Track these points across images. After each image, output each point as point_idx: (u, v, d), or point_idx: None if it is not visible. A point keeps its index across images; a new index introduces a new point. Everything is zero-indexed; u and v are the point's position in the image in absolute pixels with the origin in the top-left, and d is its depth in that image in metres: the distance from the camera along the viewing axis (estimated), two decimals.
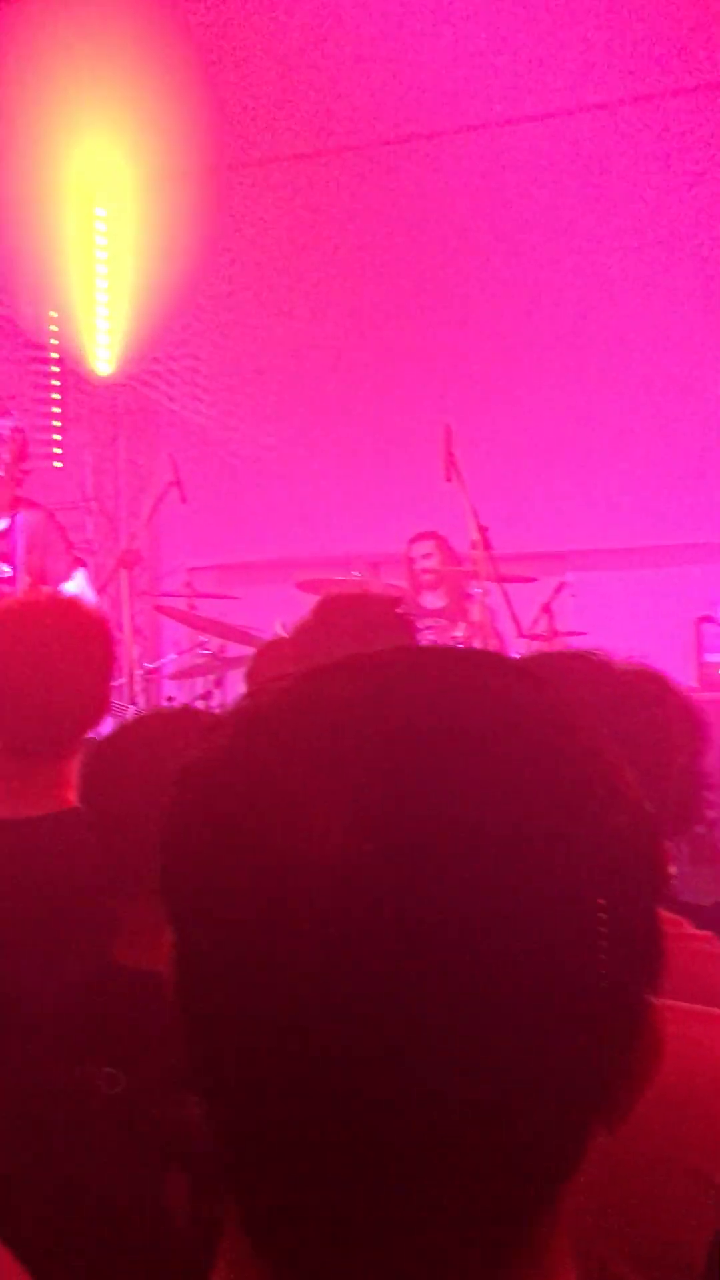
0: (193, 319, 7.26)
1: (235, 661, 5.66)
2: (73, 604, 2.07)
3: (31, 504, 4.36)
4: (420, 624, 5.79)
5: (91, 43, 6.16)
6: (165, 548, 7.54)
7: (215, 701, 5.85)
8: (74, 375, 7.43)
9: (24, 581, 4.20)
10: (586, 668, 1.48)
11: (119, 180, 7.14)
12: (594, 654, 1.53)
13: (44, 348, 7.34)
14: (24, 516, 4.24)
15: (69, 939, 1.64)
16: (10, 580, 4.23)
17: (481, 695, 0.59)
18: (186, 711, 1.71)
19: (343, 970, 0.53)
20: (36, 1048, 1.54)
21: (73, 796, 1.87)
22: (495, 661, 0.63)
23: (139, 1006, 1.47)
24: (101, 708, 2.01)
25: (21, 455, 4.21)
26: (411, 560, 5.91)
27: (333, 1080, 0.53)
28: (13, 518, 4.23)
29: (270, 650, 3.14)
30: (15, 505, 4.25)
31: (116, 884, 1.57)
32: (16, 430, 4.23)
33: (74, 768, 1.87)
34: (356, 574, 5.62)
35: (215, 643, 5.76)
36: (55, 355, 7.36)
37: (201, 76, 6.20)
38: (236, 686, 5.54)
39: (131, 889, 1.55)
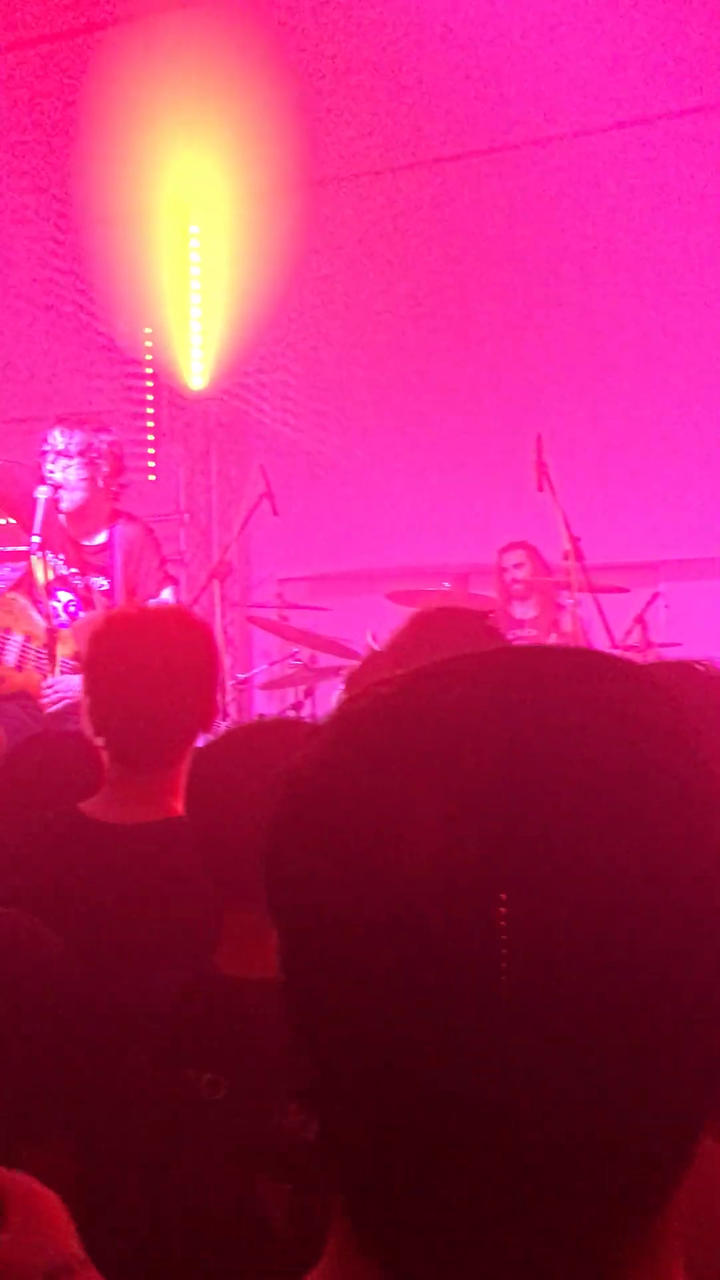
0: (285, 333, 7.33)
1: (326, 672, 5.69)
2: (181, 614, 2.11)
3: (130, 517, 4.40)
4: (511, 634, 5.76)
5: (185, 62, 6.26)
6: (256, 559, 7.61)
7: (306, 712, 5.88)
8: (168, 390, 7.54)
9: (121, 595, 4.26)
10: (697, 678, 1.45)
11: (213, 198, 7.24)
12: (703, 664, 1.50)
13: (139, 364, 7.47)
14: (121, 529, 4.28)
15: (171, 945, 1.67)
16: (108, 593, 4.29)
17: (588, 698, 0.57)
18: (285, 722, 1.72)
19: (445, 980, 0.53)
20: (139, 1052, 1.56)
21: (179, 805, 1.88)
22: (603, 662, 0.61)
23: (239, 1014, 1.49)
24: (208, 717, 2.03)
25: (118, 469, 4.27)
26: (502, 570, 5.88)
27: (439, 1088, 0.53)
28: (111, 530, 4.28)
29: (369, 665, 3.14)
30: (114, 518, 4.30)
31: (219, 892, 1.59)
32: (113, 444, 4.29)
33: (181, 776, 1.89)
34: (447, 585, 5.61)
35: (306, 653, 5.80)
36: (150, 371, 7.48)
37: (292, 93, 6.26)
38: (327, 697, 5.56)
39: (233, 898, 1.57)
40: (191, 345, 7.42)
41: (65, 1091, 1.66)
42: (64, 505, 4.15)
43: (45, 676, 4.13)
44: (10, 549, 6.29)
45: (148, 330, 7.38)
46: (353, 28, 6.48)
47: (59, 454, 4.09)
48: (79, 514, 4.20)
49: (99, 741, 2.05)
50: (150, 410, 7.48)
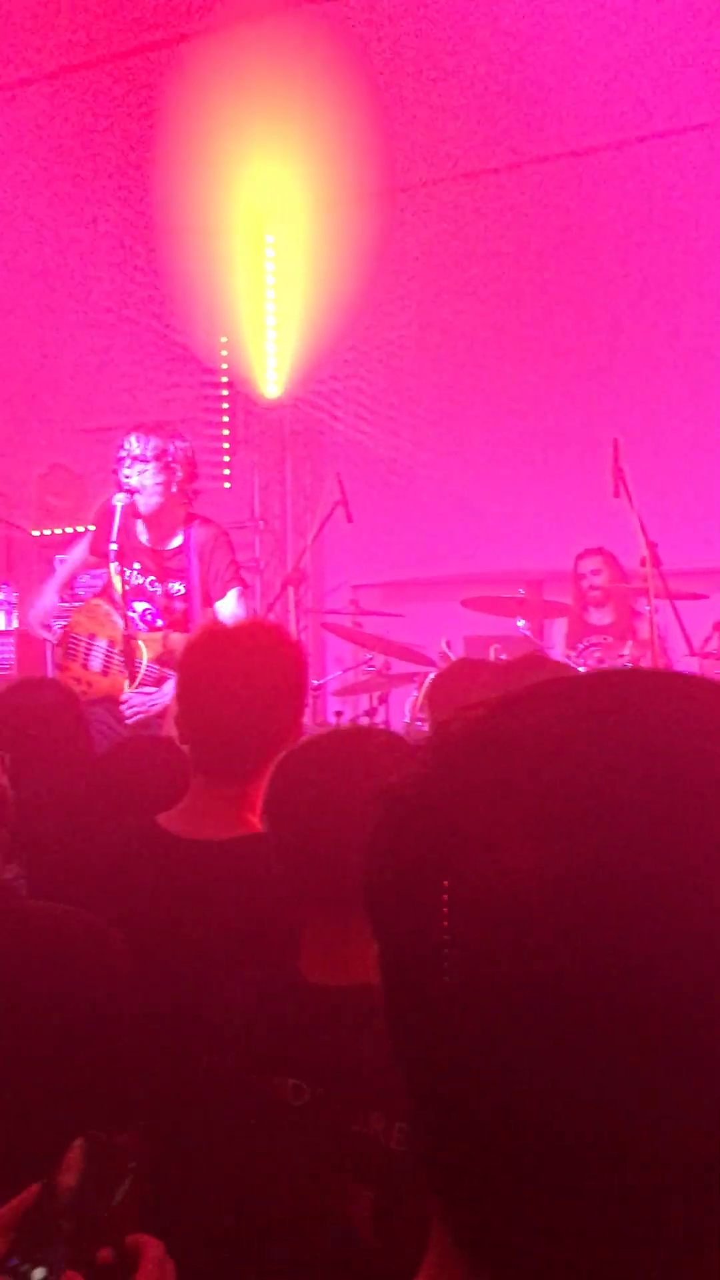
0: (360, 340, 7.35)
1: (399, 678, 5.69)
2: (275, 632, 2.10)
3: (205, 520, 4.46)
4: (586, 640, 5.72)
5: (260, 74, 6.31)
6: (330, 566, 7.64)
7: (379, 718, 5.89)
8: (243, 398, 7.61)
9: (197, 599, 4.31)
10: None
11: (288, 206, 7.30)
12: None
13: (215, 372, 7.55)
14: (195, 532, 4.34)
15: (254, 956, 1.68)
16: (185, 597, 4.35)
17: (677, 719, 0.57)
18: (363, 731, 1.72)
19: (540, 999, 0.53)
20: (225, 1059, 1.58)
21: (256, 820, 1.90)
22: (692, 683, 0.61)
23: (322, 1020, 1.50)
24: (291, 736, 2.02)
25: (192, 474, 4.33)
26: (579, 577, 5.84)
27: (542, 1104, 0.53)
28: (186, 534, 4.34)
29: (450, 675, 3.13)
30: (188, 522, 4.37)
31: (300, 903, 1.60)
32: (187, 450, 4.35)
33: (259, 792, 1.89)
34: (521, 591, 5.59)
35: (380, 659, 5.80)
36: (225, 379, 7.55)
37: (367, 101, 6.29)
38: (401, 703, 5.57)
39: (313, 908, 1.58)
40: (266, 353, 7.49)
41: (135, 1075, 1.69)
42: (140, 509, 4.22)
43: (130, 681, 4.19)
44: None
45: (223, 339, 7.45)
46: (426, 34, 6.49)
47: (135, 459, 4.17)
48: (155, 518, 4.27)
49: (184, 748, 2.06)
50: (226, 418, 7.54)
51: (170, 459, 4.20)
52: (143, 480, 4.16)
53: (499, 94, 6.52)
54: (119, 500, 4.17)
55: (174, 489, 4.24)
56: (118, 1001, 1.72)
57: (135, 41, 6.26)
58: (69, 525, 7.95)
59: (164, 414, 7.07)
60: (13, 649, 6.43)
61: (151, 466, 4.16)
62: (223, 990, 1.65)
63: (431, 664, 5.39)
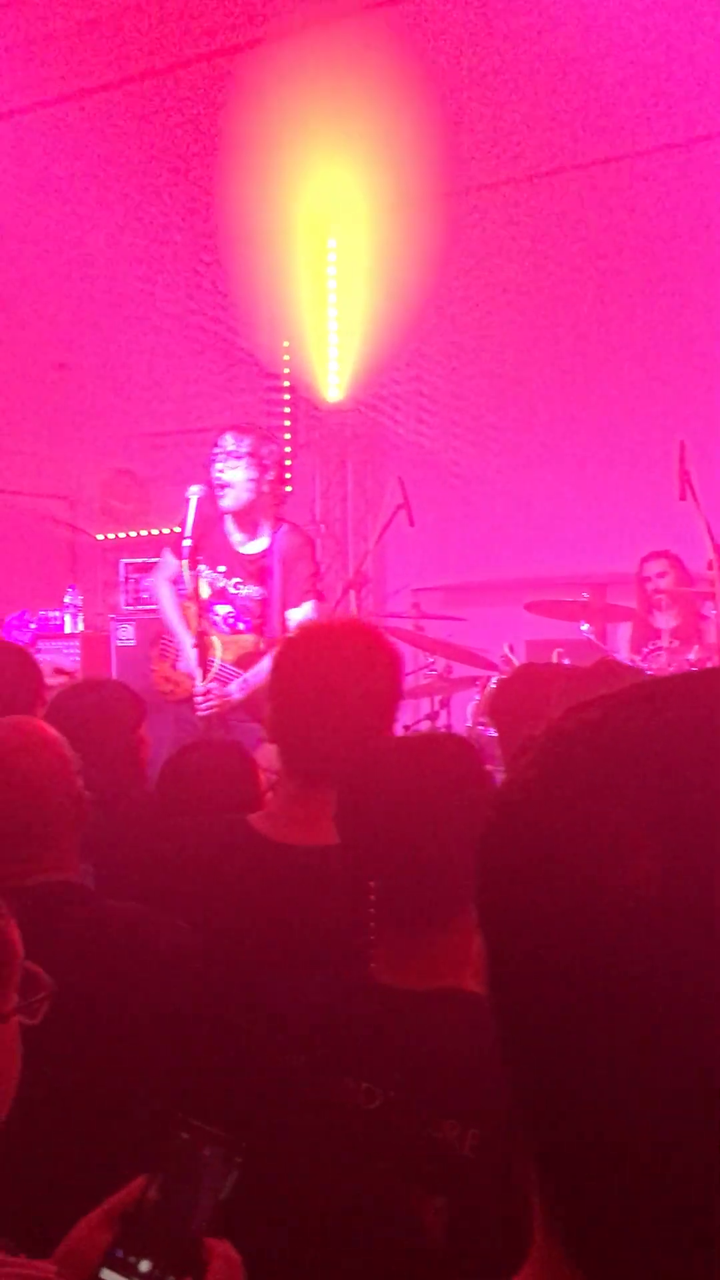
0: (421, 343, 7.35)
1: (461, 682, 5.67)
2: (368, 633, 2.06)
3: (295, 527, 4.52)
4: (651, 645, 5.66)
5: (321, 78, 6.33)
6: (391, 569, 7.64)
7: (441, 722, 5.87)
8: (305, 402, 7.64)
9: (277, 604, 4.35)
10: None
11: (350, 210, 7.31)
12: None
13: (277, 376, 7.58)
14: (283, 536, 4.39)
15: (327, 958, 1.67)
16: (265, 601, 4.38)
17: None
18: (429, 741, 1.69)
19: (663, 1006, 0.52)
20: (297, 1061, 1.57)
21: None
22: None
23: (395, 1025, 1.50)
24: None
25: (281, 478, 4.47)
26: (644, 580, 5.78)
27: (656, 1113, 0.52)
28: (273, 537, 4.39)
29: (516, 680, 3.09)
30: (276, 524, 4.42)
31: (371, 912, 1.59)
32: (279, 454, 4.48)
33: None
34: (585, 595, 5.54)
35: (441, 663, 5.78)
36: (287, 384, 7.59)
37: (429, 104, 6.28)
38: (463, 707, 5.54)
39: (385, 917, 1.56)
40: (328, 357, 7.50)
41: (211, 1077, 1.69)
42: (227, 502, 4.28)
43: (203, 677, 4.23)
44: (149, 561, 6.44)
45: (285, 343, 7.48)
46: (487, 38, 6.47)
47: (228, 455, 4.27)
48: (243, 515, 4.33)
49: (274, 749, 2.04)
50: (287, 422, 7.58)
51: (262, 459, 4.30)
52: (234, 476, 4.26)
53: (560, 96, 6.48)
54: (193, 492, 4.21)
55: (264, 488, 4.32)
56: (195, 1003, 1.73)
57: (199, 50, 6.31)
58: (132, 529, 8.03)
59: (225, 419, 7.11)
60: (78, 651, 6.50)
61: (244, 463, 4.26)
62: (296, 992, 1.65)
63: (494, 668, 5.37)
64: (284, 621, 4.34)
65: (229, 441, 4.30)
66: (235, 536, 4.37)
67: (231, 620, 4.38)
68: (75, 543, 8.33)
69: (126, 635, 6.23)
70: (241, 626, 4.38)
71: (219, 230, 7.35)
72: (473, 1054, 1.43)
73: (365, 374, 7.45)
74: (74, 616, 6.85)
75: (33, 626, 6.67)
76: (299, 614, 4.33)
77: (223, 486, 4.26)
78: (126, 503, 8.01)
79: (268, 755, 2.95)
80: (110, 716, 2.79)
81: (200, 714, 4.18)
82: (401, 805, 1.55)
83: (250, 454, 4.27)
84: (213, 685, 4.18)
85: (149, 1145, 1.58)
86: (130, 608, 6.53)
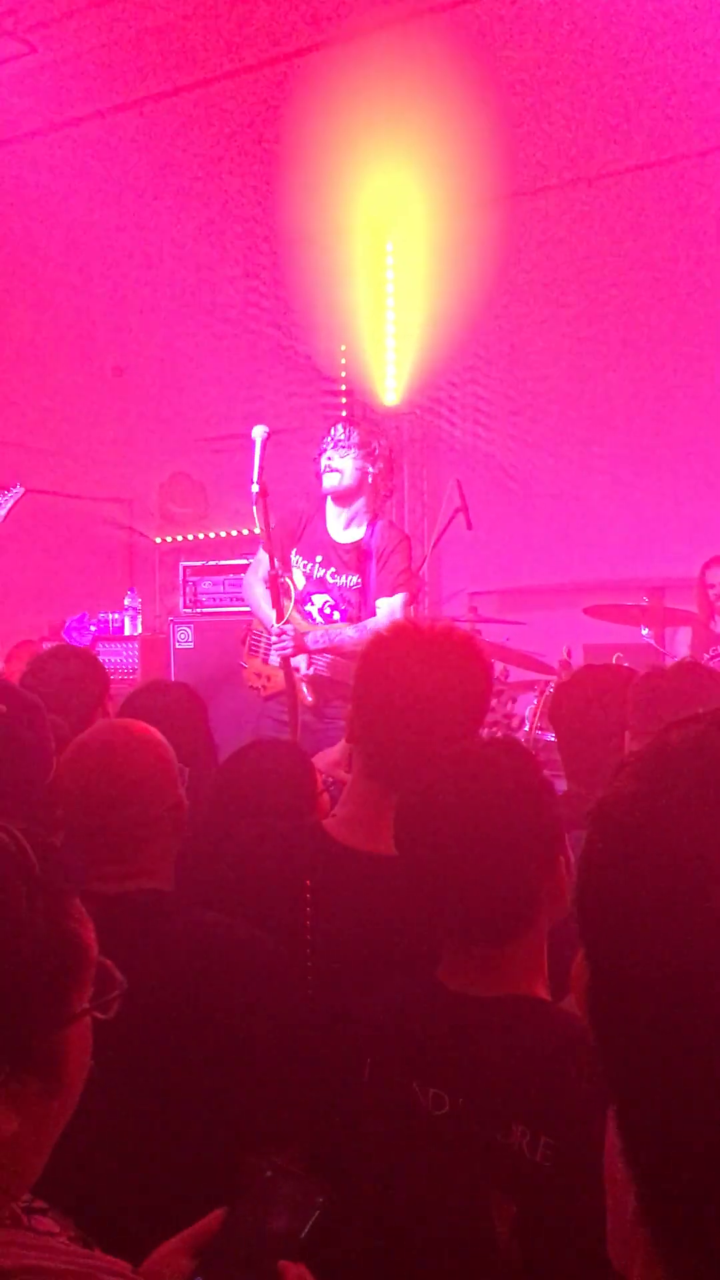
0: (478, 347, 7.33)
1: (519, 686, 5.64)
2: (461, 639, 1.96)
3: (392, 523, 4.58)
4: (711, 650, 5.60)
5: (380, 81, 6.34)
6: (447, 573, 7.62)
7: (501, 712, 5.84)
8: (361, 406, 7.64)
9: (372, 593, 4.40)
10: None
11: (409, 213, 7.31)
12: None
13: (334, 380, 7.60)
14: (381, 529, 4.44)
15: (397, 965, 1.66)
16: (361, 590, 4.43)
17: None
18: (486, 753, 1.62)
19: None
20: (367, 1066, 1.57)
21: None
22: None
23: (465, 1033, 1.49)
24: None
25: (389, 473, 4.47)
26: (706, 586, 5.72)
27: None
28: (370, 529, 4.43)
29: (576, 684, 3.06)
30: (375, 518, 4.46)
31: (435, 925, 1.57)
32: (389, 450, 4.52)
33: None
34: (645, 600, 5.50)
35: (499, 667, 5.76)
36: (344, 388, 7.60)
37: (488, 105, 6.26)
38: (521, 711, 5.51)
39: (450, 929, 1.55)
40: (386, 361, 7.51)
41: (295, 1097, 1.69)
42: (330, 484, 4.33)
43: (278, 618, 4.23)
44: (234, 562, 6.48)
45: (343, 347, 7.50)
46: (547, 37, 6.44)
47: (337, 444, 4.35)
48: (345, 500, 4.36)
49: (338, 750, 2.01)
50: (359, 423, 7.58)
51: (371, 450, 4.37)
52: (342, 463, 4.32)
53: (621, 98, 6.44)
54: (258, 432, 4.08)
55: (369, 479, 4.36)
56: (273, 1013, 1.73)
57: (258, 56, 6.34)
58: (190, 533, 8.09)
59: (283, 423, 7.14)
60: (137, 654, 6.55)
61: (353, 452, 4.33)
62: (364, 997, 1.65)
63: (552, 672, 5.34)
64: (373, 610, 4.38)
65: (338, 431, 4.39)
66: (333, 524, 4.41)
67: (329, 609, 4.41)
68: (134, 546, 8.40)
69: (185, 638, 6.27)
70: (337, 615, 4.41)
71: (277, 234, 7.38)
72: (542, 1061, 1.42)
73: (422, 378, 7.45)
74: (133, 619, 6.91)
75: (93, 629, 6.74)
76: (388, 604, 4.36)
77: (329, 471, 4.32)
78: (184, 506, 8.08)
79: (326, 759, 2.96)
80: (173, 717, 2.80)
81: (278, 653, 4.18)
82: (460, 824, 1.52)
83: (359, 445, 4.35)
84: (288, 627, 4.19)
85: (220, 1149, 1.60)
86: (189, 610, 6.58)
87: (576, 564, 6.88)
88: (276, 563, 4.19)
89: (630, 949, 0.56)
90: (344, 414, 7.59)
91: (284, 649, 4.17)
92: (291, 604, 4.29)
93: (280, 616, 4.19)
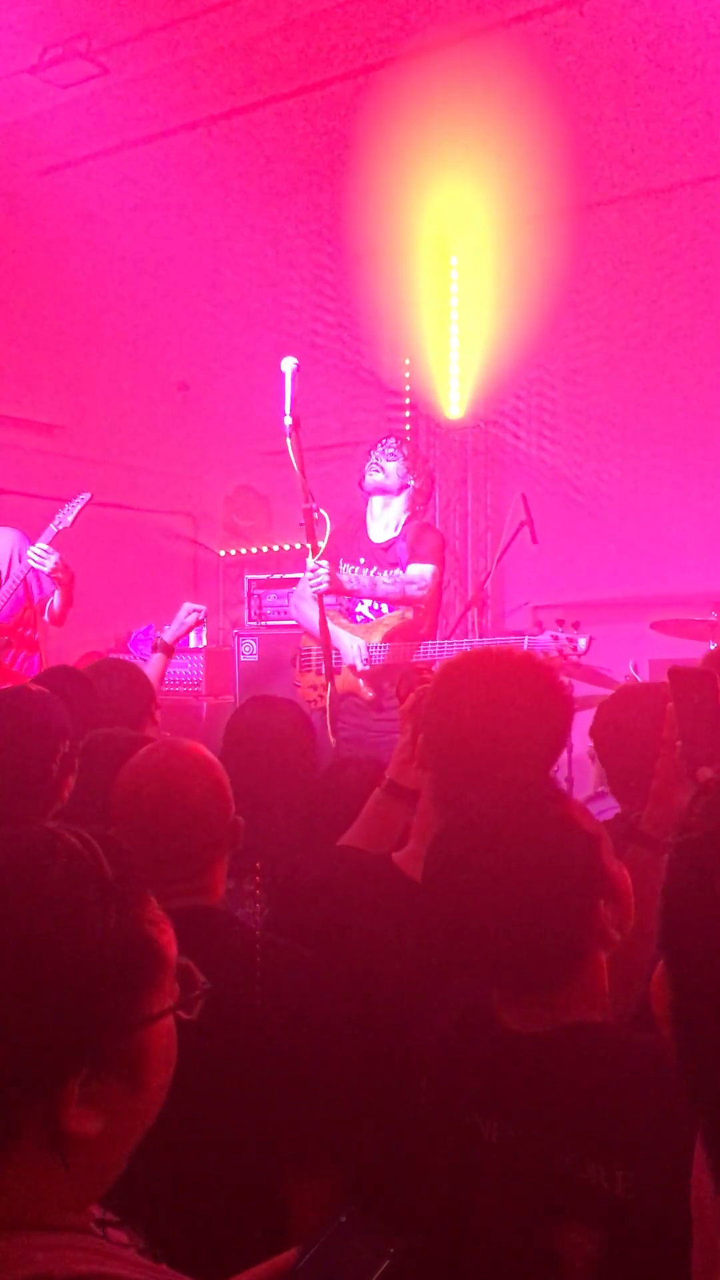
0: (543, 360, 7.30)
1: (584, 701, 5.59)
2: (541, 671, 1.87)
3: (424, 523, 4.74)
4: None
5: (444, 95, 6.34)
6: (510, 586, 7.59)
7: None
8: (426, 420, 7.65)
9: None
10: None
11: (473, 226, 7.31)
12: None
13: (398, 394, 7.61)
14: (413, 525, 4.60)
15: (456, 1001, 1.64)
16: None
17: None
18: (520, 796, 1.55)
19: None
20: (425, 1095, 1.56)
21: None
22: None
23: (523, 1069, 1.46)
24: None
25: (428, 489, 4.67)
26: None
27: None
28: (405, 528, 4.58)
29: (621, 700, 3.02)
30: (408, 521, 4.61)
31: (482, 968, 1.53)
32: (432, 471, 4.79)
33: None
34: (714, 615, 5.42)
35: (564, 681, 5.72)
36: (408, 401, 7.61)
37: (553, 118, 6.24)
38: (584, 726, 5.46)
39: (499, 973, 1.51)
40: (450, 374, 7.51)
41: (334, 1122, 1.69)
42: (373, 480, 4.52)
43: (358, 680, 4.32)
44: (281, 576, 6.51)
45: (407, 361, 7.51)
46: (612, 51, 6.41)
47: (384, 448, 4.58)
48: (385, 499, 4.52)
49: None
50: (407, 440, 7.60)
51: (415, 465, 4.59)
52: (389, 465, 4.52)
53: (686, 110, 6.39)
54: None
55: (409, 490, 4.55)
56: (319, 1031, 1.72)
57: (324, 73, 6.38)
58: (254, 545, 8.14)
59: (348, 436, 7.17)
60: (201, 666, 6.60)
61: (399, 459, 4.55)
62: (424, 1030, 1.63)
63: (618, 687, 5.28)
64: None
65: (391, 442, 4.64)
66: (374, 526, 4.56)
67: (376, 609, 4.49)
68: (198, 559, 8.47)
69: (250, 650, 6.31)
70: (385, 610, 4.53)
71: (342, 249, 7.42)
72: (613, 1092, 1.39)
73: (486, 391, 7.43)
74: (198, 632, 6.96)
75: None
76: (419, 568, 4.49)
77: (374, 470, 4.50)
78: (249, 519, 8.13)
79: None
80: (279, 735, 2.83)
81: (312, 589, 4.22)
82: (485, 879, 1.45)
83: (406, 457, 4.58)
84: (324, 562, 4.22)
85: (268, 1170, 1.59)
86: (254, 623, 6.61)
87: (643, 578, 6.81)
88: (314, 501, 4.19)
89: (712, 980, 0.56)
90: (408, 427, 7.61)
91: (319, 584, 4.21)
92: (325, 540, 4.33)
93: (315, 551, 4.22)
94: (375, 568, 4.50)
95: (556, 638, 4.29)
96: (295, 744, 2.74)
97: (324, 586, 4.19)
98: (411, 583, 4.46)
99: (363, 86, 6.34)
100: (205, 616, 4.65)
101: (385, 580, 4.43)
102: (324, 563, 4.20)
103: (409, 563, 4.50)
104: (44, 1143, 0.95)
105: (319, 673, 4.53)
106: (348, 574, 4.41)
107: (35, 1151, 0.95)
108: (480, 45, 6.00)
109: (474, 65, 6.12)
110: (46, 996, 0.94)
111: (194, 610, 4.49)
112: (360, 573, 4.47)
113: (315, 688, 4.59)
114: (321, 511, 4.32)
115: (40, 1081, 0.95)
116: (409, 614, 4.50)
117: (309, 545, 4.19)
